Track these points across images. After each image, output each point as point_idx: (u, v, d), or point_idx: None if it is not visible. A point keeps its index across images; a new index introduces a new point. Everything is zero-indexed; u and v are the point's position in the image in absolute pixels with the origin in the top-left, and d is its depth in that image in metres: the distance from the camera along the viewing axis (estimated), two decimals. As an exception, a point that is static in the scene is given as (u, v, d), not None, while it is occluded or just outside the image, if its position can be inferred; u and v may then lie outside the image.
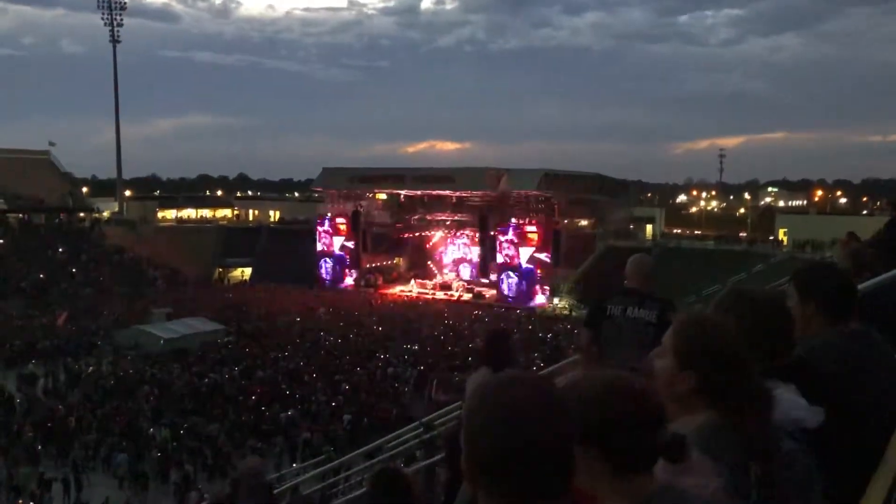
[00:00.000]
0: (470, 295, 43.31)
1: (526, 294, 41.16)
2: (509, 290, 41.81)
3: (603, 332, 3.98)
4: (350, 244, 48.59)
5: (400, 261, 51.97)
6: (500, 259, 42.59)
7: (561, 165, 63.77)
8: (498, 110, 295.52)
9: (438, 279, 47.43)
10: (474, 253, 47.62)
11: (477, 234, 46.30)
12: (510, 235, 41.90)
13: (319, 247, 49.25)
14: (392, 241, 50.91)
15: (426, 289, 45.39)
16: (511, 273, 41.74)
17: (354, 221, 48.61)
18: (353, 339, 29.28)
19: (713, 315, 1.61)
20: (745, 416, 1.41)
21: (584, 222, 50.29)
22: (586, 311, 4.46)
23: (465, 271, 48.11)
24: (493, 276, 43.86)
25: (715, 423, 1.43)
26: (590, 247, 45.35)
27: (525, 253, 41.47)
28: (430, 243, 50.88)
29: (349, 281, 48.36)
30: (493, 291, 43.11)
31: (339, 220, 48.98)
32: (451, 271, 48.77)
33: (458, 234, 48.88)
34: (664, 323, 3.85)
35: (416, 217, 50.35)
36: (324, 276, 49.03)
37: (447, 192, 46.47)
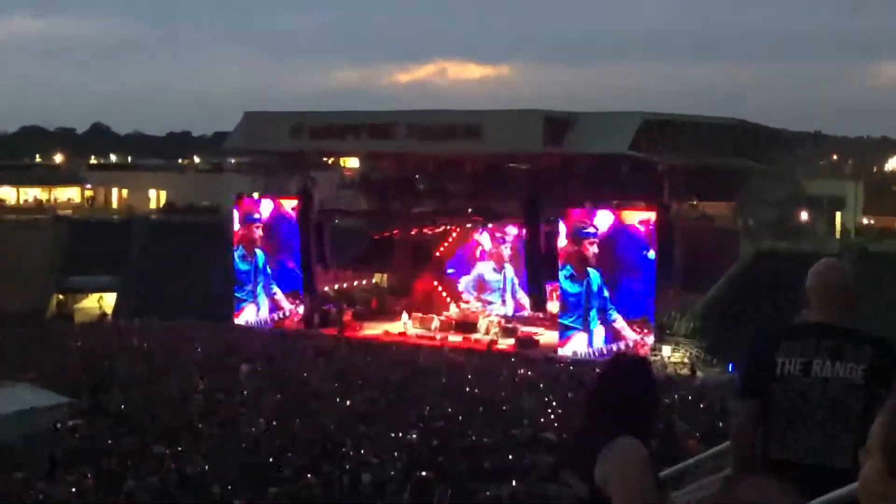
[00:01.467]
0: (511, 341, 43.59)
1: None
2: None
3: (772, 404, 3.92)
4: (292, 250, 48.86)
5: (383, 279, 52.20)
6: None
7: (673, 107, 63.40)
8: (557, 4, 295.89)
9: (453, 311, 47.84)
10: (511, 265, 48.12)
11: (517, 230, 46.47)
12: (601, 224, 41.31)
13: (239, 253, 49.74)
14: (370, 245, 51.25)
15: (429, 328, 45.68)
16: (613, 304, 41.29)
17: (302, 209, 48.85)
18: (299, 421, 29.35)
19: None
20: None
21: (715, 208, 50.13)
22: (740, 369, 4.41)
23: (501, 301, 48.17)
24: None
25: None
26: (727, 252, 45.50)
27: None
28: (440, 248, 51.11)
29: (284, 314, 48.65)
30: (554, 334, 43.30)
31: (273, 206, 49.28)
32: (476, 299, 48.97)
33: (492, 229, 49.06)
34: (881, 384, 3.75)
35: (412, 199, 50.55)
36: (246, 306, 49.39)
37: (469, 154, 46.62)
